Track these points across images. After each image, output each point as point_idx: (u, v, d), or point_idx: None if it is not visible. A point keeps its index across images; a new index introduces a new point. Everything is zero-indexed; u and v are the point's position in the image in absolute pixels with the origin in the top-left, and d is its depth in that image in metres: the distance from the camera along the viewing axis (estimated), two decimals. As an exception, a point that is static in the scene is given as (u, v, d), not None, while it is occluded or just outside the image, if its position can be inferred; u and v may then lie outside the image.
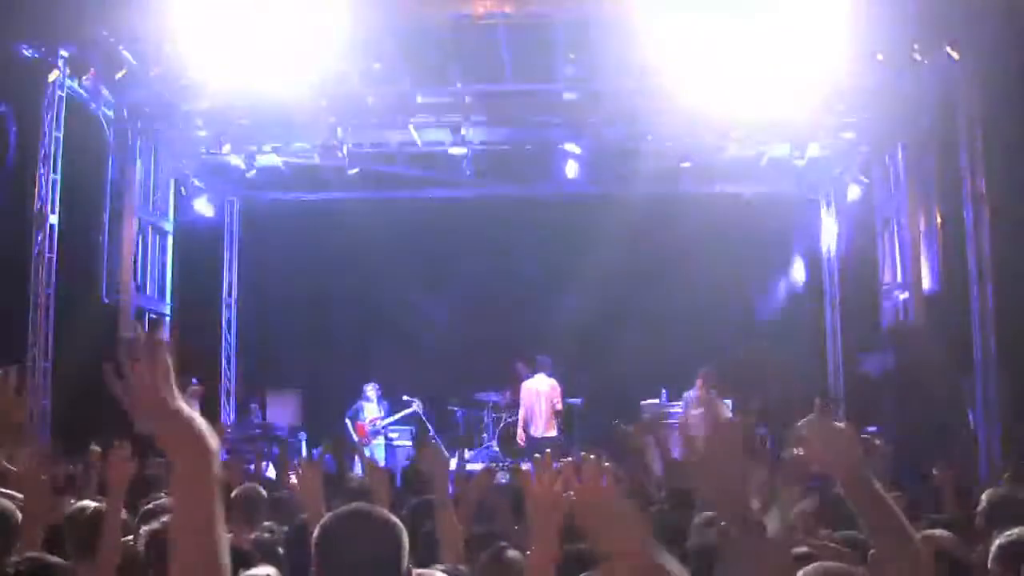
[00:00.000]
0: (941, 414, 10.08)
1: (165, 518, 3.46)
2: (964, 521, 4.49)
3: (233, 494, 4.88)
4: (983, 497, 4.53)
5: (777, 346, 13.42)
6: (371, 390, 12.98)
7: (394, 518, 2.50)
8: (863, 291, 13.09)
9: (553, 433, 12.32)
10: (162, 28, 9.59)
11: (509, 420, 12.98)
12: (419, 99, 11.71)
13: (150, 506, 4.38)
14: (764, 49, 9.45)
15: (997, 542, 2.98)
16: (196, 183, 13.36)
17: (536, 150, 12.69)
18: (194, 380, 11.23)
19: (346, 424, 12.85)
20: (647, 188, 14.01)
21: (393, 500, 4.16)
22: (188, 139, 12.45)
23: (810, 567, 2.56)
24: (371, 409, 12.88)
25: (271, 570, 3.19)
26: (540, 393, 12.37)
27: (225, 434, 13.56)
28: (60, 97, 10.25)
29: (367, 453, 12.38)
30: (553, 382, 12.48)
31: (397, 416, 12.97)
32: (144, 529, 3.66)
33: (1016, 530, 2.99)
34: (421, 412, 13.03)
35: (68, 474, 6.55)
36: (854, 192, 12.90)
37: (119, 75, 10.00)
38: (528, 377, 12.72)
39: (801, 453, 2.43)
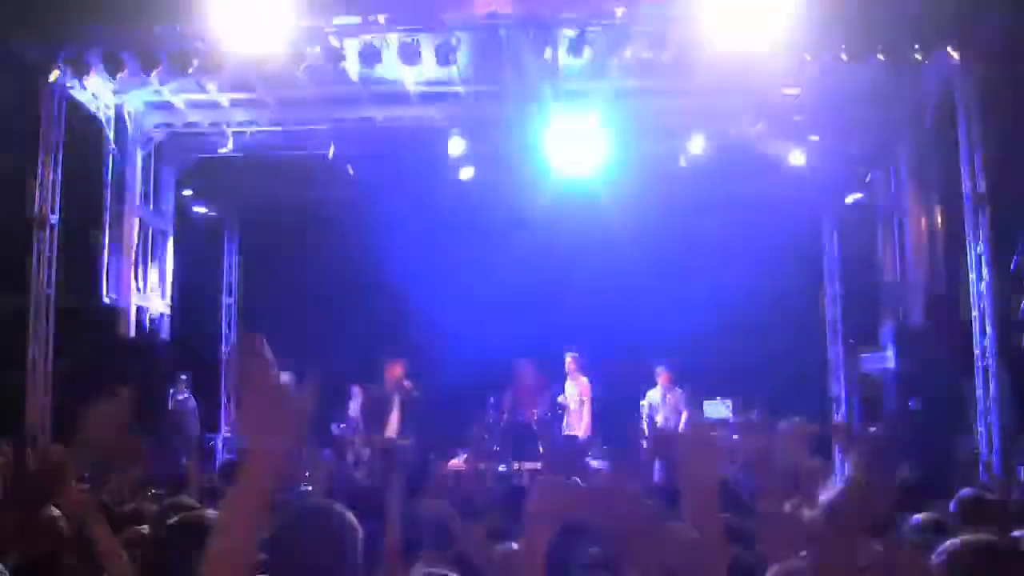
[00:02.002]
0: (943, 415, 10.07)
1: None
2: None
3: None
4: (955, 500, 4.53)
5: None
6: (356, 391, 12.99)
7: (349, 516, 2.49)
8: (864, 291, 13.09)
9: (588, 433, 12.25)
10: (162, 28, 9.60)
11: (511, 420, 12.95)
12: (419, 98, 11.72)
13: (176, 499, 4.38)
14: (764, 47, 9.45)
15: (943, 547, 2.83)
16: (196, 183, 13.35)
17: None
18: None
19: (333, 426, 12.86)
20: (648, 187, 14.04)
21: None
22: (188, 139, 12.45)
23: None
24: (354, 408, 12.86)
25: None
26: (575, 393, 12.38)
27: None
28: (60, 97, 10.25)
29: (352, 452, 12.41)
30: (585, 379, 12.49)
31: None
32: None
33: (961, 539, 2.85)
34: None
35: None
36: (855, 192, 12.90)
37: (119, 75, 9.99)
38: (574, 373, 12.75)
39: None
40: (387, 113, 11.95)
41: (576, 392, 12.36)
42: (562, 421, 12.53)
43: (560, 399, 12.48)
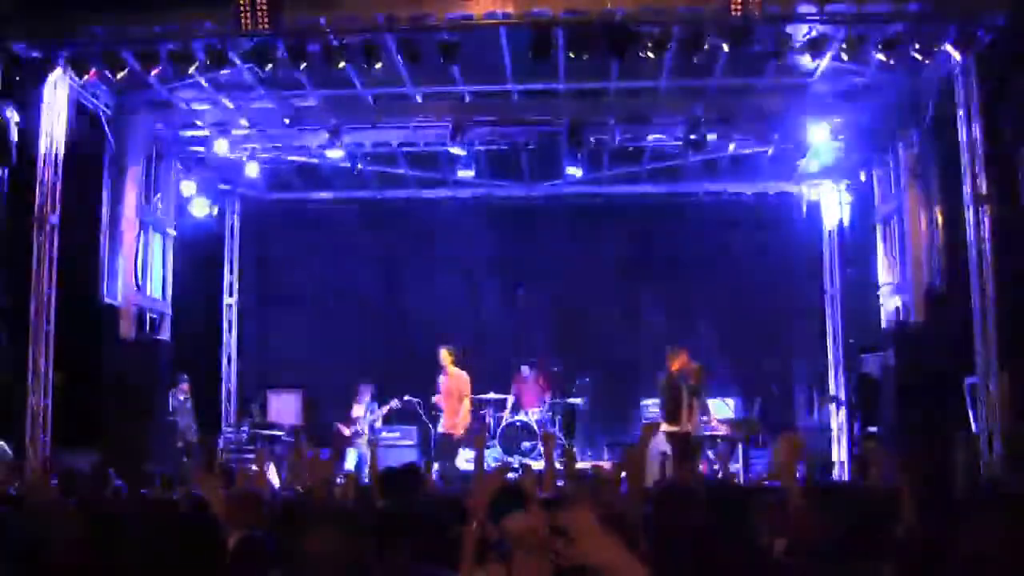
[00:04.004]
0: (942, 414, 10.07)
1: None
2: None
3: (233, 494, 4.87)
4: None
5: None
6: (364, 390, 12.91)
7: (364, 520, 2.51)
8: (863, 291, 13.09)
9: (460, 432, 11.62)
10: (162, 28, 9.60)
11: (512, 420, 12.97)
12: (419, 99, 11.74)
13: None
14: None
15: None
16: (196, 183, 13.36)
17: (536, 150, 12.67)
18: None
19: (335, 425, 12.84)
20: (647, 188, 14.08)
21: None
22: (188, 140, 12.46)
23: None
24: (358, 409, 12.80)
25: None
26: (452, 387, 11.73)
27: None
28: (60, 97, 10.25)
29: (355, 453, 12.34)
30: (464, 374, 11.83)
31: (378, 415, 12.85)
32: None
33: None
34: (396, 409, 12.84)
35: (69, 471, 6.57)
36: (854, 192, 12.90)
37: (119, 75, 9.99)
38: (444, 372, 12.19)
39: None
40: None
41: (452, 387, 11.70)
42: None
43: (435, 399, 11.93)
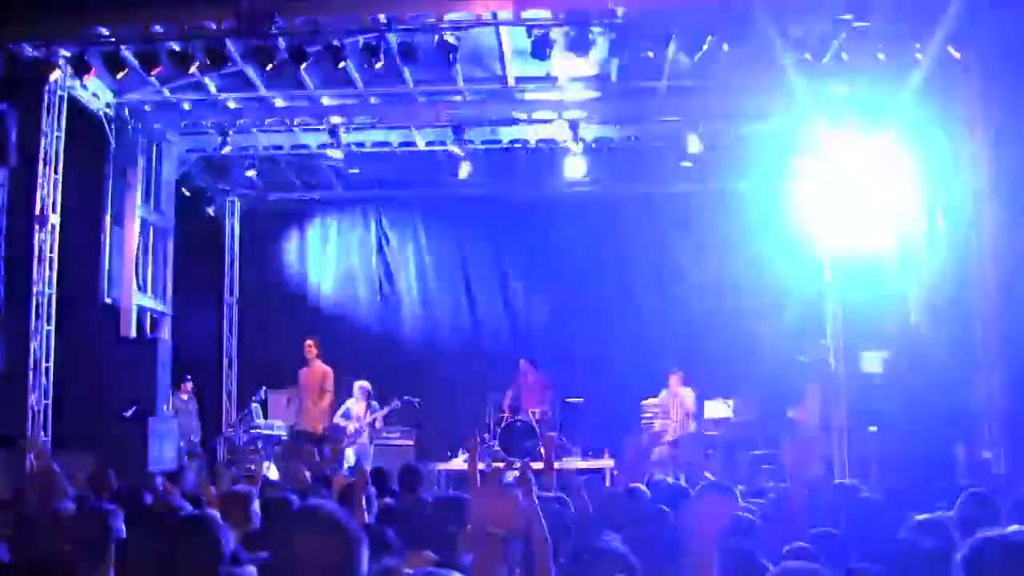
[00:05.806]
0: (942, 415, 10.06)
1: None
2: None
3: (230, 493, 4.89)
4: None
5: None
6: (357, 388, 12.85)
7: (350, 522, 2.46)
8: (863, 291, 13.07)
9: (320, 428, 11.48)
10: (162, 28, 9.61)
11: (512, 420, 12.96)
12: (419, 99, 11.74)
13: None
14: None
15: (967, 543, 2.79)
16: (196, 183, 13.36)
17: (536, 150, 12.69)
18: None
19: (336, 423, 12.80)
20: (647, 188, 14.07)
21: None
22: (188, 139, 12.46)
23: None
24: (356, 407, 12.76)
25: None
26: (315, 381, 11.65)
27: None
28: (60, 97, 10.25)
29: (352, 452, 12.29)
30: (328, 369, 11.71)
31: (379, 414, 12.81)
32: None
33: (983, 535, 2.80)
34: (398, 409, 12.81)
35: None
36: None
37: (119, 75, 9.99)
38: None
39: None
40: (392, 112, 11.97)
41: (315, 381, 11.62)
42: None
43: (293, 392, 11.86)
